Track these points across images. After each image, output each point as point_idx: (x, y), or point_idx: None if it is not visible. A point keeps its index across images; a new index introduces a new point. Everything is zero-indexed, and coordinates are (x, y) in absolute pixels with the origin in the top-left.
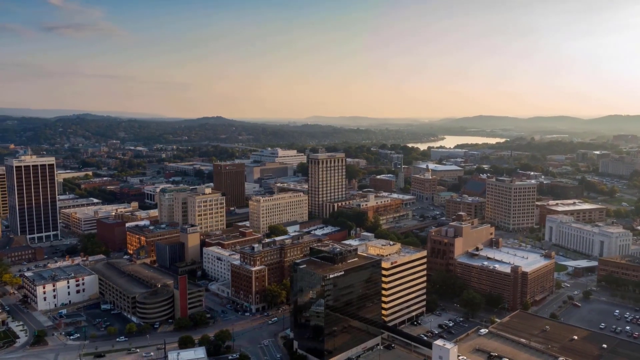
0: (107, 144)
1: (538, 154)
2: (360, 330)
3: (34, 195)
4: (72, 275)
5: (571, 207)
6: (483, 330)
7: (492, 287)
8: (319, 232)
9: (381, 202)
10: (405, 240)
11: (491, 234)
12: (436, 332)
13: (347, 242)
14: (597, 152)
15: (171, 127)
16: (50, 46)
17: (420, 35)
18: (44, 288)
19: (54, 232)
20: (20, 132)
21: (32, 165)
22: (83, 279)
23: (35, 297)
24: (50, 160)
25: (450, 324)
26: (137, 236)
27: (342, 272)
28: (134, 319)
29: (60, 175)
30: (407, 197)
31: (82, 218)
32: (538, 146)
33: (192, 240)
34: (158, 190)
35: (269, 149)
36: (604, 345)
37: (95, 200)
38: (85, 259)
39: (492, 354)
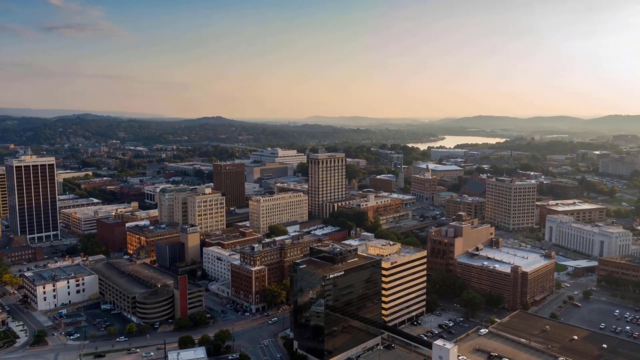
0: (107, 144)
1: (538, 154)
2: (360, 330)
3: (34, 195)
4: (72, 275)
5: (571, 207)
6: (483, 330)
7: (492, 287)
8: (319, 232)
9: (381, 202)
10: (405, 240)
11: (491, 234)
12: (436, 332)
13: (347, 242)
14: (597, 152)
15: (171, 127)
16: (50, 46)
17: (420, 35)
18: (44, 288)
19: (54, 232)
20: (21, 132)
21: (32, 165)
22: (83, 279)
23: (35, 297)
24: (50, 160)
25: (450, 324)
26: (137, 236)
27: (342, 272)
28: (134, 319)
29: (60, 175)
30: (407, 197)
31: (82, 218)
32: (538, 146)
33: (192, 240)
34: (158, 190)
35: (269, 149)
36: (604, 345)
37: (95, 200)
38: (85, 259)
39: (492, 354)
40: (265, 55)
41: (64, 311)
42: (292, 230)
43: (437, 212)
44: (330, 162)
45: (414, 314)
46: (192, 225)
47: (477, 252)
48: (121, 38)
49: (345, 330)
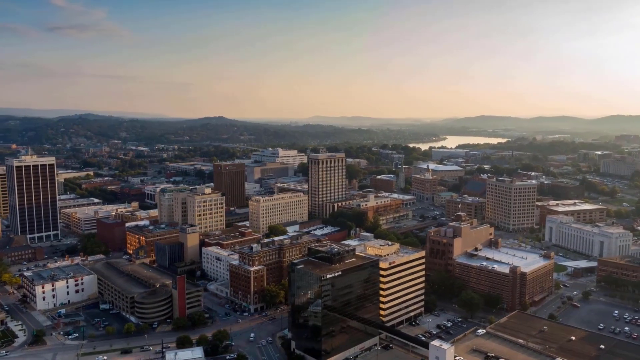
0: (108, 144)
1: (539, 154)
2: (358, 330)
3: (34, 195)
4: (71, 275)
5: (571, 208)
6: (480, 331)
7: (491, 287)
8: (318, 232)
9: (381, 202)
10: (405, 241)
11: (490, 234)
12: (434, 332)
13: (346, 242)
14: (599, 153)
15: (173, 127)
16: (52, 46)
17: (421, 36)
18: (43, 288)
19: (54, 232)
20: (23, 132)
21: (33, 165)
22: (82, 279)
23: (35, 296)
24: (51, 160)
25: (449, 325)
26: (137, 236)
27: (340, 273)
28: (132, 318)
29: (62, 175)
30: (407, 197)
31: (82, 218)
32: (540, 146)
33: (192, 240)
34: (158, 190)
35: (270, 149)
36: (602, 346)
37: (96, 200)
38: (84, 258)
39: (489, 354)
40: (267, 55)
41: (63, 311)
42: (292, 230)
43: (437, 213)
44: (331, 162)
45: (412, 314)
46: (192, 225)
47: (476, 253)
48: (123, 38)
49: (343, 330)
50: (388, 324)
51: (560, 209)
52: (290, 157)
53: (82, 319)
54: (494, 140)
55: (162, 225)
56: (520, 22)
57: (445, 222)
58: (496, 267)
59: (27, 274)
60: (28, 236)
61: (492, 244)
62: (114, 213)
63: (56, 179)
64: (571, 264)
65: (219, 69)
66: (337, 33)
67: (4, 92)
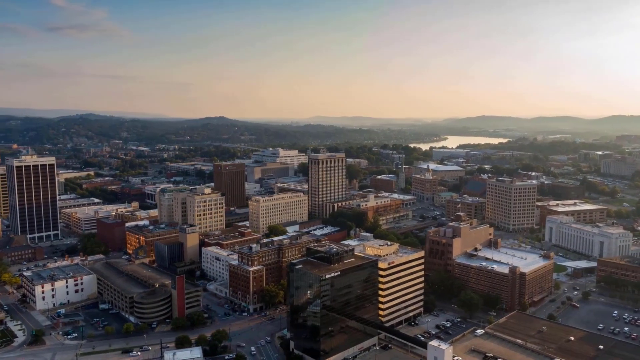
0: (109, 144)
1: (540, 155)
2: (357, 330)
3: (34, 195)
4: (71, 275)
5: (572, 208)
6: (479, 331)
7: (491, 287)
8: (318, 232)
9: (381, 202)
10: (405, 241)
11: (490, 234)
12: (433, 332)
13: (345, 242)
14: (600, 153)
15: (174, 127)
16: (53, 46)
17: (421, 36)
18: (42, 288)
19: (54, 232)
20: (24, 132)
21: (33, 165)
22: (82, 279)
23: (34, 296)
24: (51, 160)
25: (448, 325)
26: (137, 236)
27: (339, 273)
28: (131, 318)
29: (62, 175)
30: (407, 197)
31: (82, 218)
32: (540, 146)
33: (191, 240)
34: (158, 190)
35: (271, 149)
36: (601, 347)
37: (96, 200)
38: (84, 258)
39: (487, 354)
40: (267, 55)
41: (62, 311)
42: (292, 230)
43: (438, 213)
44: (331, 162)
45: (411, 314)
46: (191, 225)
47: (475, 253)
48: (123, 38)
49: (341, 330)
50: (387, 324)
51: (560, 209)
52: (291, 157)
53: (82, 319)
54: (494, 141)
55: (162, 225)
56: (520, 22)
57: (445, 222)
58: (495, 267)
59: (27, 273)
60: (28, 236)
61: (492, 244)
62: (114, 213)
63: (56, 179)
64: (571, 264)
65: (219, 69)
66: (337, 33)
67: (4, 92)
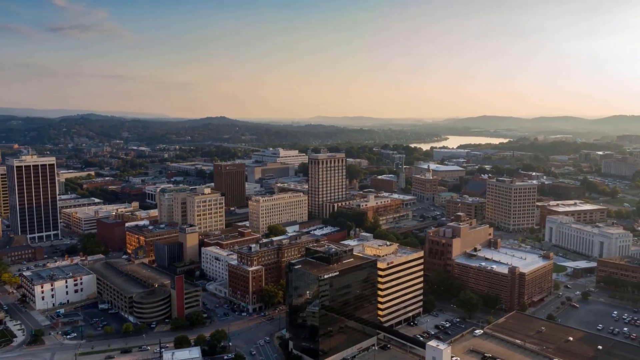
0: (110, 144)
1: (541, 155)
2: (355, 330)
3: (34, 195)
4: (71, 274)
5: (572, 208)
6: (478, 331)
7: (490, 287)
8: (318, 233)
9: (381, 202)
10: (405, 241)
11: (490, 234)
12: (432, 332)
13: (345, 242)
14: (600, 153)
15: (174, 127)
16: (54, 47)
17: (421, 36)
18: (42, 287)
19: (54, 232)
20: (25, 132)
21: (33, 165)
22: (81, 279)
23: (34, 296)
24: (51, 160)
25: (447, 325)
26: (137, 236)
27: (337, 273)
28: (131, 318)
29: (63, 175)
30: (407, 197)
31: (82, 218)
32: (541, 146)
33: (191, 240)
34: (158, 190)
35: (271, 149)
36: (600, 347)
37: (97, 200)
38: (84, 258)
39: (486, 355)
40: (267, 55)
41: (62, 310)
42: (292, 230)
43: (438, 213)
44: (331, 162)
45: (410, 314)
46: (191, 225)
47: (475, 253)
48: (124, 39)
49: (340, 330)
50: (386, 324)
51: (560, 209)
52: (291, 157)
53: (81, 319)
54: (495, 141)
55: (162, 225)
56: (520, 22)
57: (445, 222)
58: (495, 267)
59: (27, 273)
60: (28, 236)
61: (492, 244)
62: (114, 213)
63: (57, 178)
64: (571, 264)
65: (219, 69)
66: (337, 33)
67: (6, 92)
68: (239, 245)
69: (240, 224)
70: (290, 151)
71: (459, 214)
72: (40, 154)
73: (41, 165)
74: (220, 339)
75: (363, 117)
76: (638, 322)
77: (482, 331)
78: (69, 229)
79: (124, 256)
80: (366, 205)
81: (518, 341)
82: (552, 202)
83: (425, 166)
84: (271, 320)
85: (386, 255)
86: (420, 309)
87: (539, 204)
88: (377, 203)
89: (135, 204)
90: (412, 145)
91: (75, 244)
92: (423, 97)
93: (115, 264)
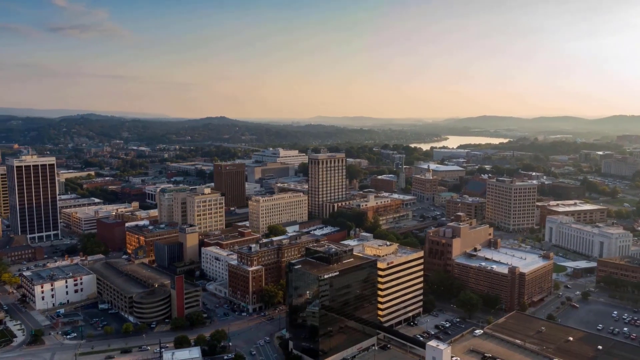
0: (110, 144)
1: (541, 155)
2: (355, 330)
3: (34, 195)
4: (70, 274)
5: (572, 208)
6: (478, 331)
7: (490, 287)
8: (318, 233)
9: (381, 202)
10: (405, 241)
11: (490, 234)
12: (432, 332)
13: (345, 242)
14: (600, 153)
15: (175, 127)
16: (54, 47)
17: (421, 36)
18: (42, 287)
19: (54, 232)
20: (25, 132)
21: (33, 165)
22: (81, 279)
23: (34, 296)
24: (51, 160)
25: (447, 325)
26: (136, 236)
27: (337, 273)
28: (131, 318)
29: (63, 175)
30: (407, 197)
31: (82, 218)
32: (541, 146)
33: (191, 240)
34: (158, 190)
35: (271, 149)
36: (599, 347)
37: (97, 200)
38: (84, 258)
39: (486, 355)
40: (267, 55)
41: (62, 310)
42: (292, 230)
43: (438, 213)
44: (331, 162)
45: (410, 314)
46: (191, 225)
47: (475, 253)
48: (124, 39)
49: (340, 330)
50: (386, 324)
51: (560, 209)
52: (291, 157)
53: (81, 319)
54: (495, 141)
55: (162, 225)
56: (520, 22)
57: (445, 222)
58: (495, 267)
59: (27, 273)
60: (28, 236)
61: (492, 244)
62: (114, 213)
63: (57, 178)
64: (571, 264)
65: (219, 69)
66: (337, 33)
67: (6, 92)
68: (239, 245)
69: (240, 224)
70: (290, 151)
71: (459, 214)
72: (40, 154)
73: (41, 165)
74: (220, 339)
75: (363, 117)
76: (638, 322)
77: (482, 331)
78: (69, 229)
79: (124, 256)
80: (366, 205)
81: (518, 341)
82: (552, 202)
83: (425, 166)
84: (271, 320)
85: (386, 255)
86: (420, 309)
87: (539, 204)
88: (377, 203)
89: (135, 204)
90: (412, 145)
91: (75, 244)
92: (423, 97)
93: (115, 264)
